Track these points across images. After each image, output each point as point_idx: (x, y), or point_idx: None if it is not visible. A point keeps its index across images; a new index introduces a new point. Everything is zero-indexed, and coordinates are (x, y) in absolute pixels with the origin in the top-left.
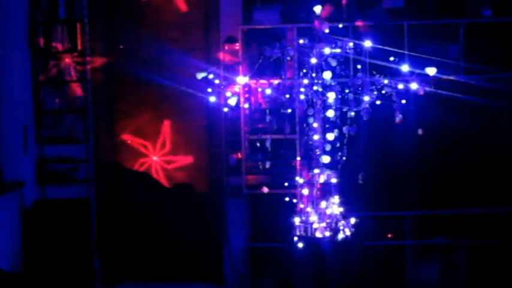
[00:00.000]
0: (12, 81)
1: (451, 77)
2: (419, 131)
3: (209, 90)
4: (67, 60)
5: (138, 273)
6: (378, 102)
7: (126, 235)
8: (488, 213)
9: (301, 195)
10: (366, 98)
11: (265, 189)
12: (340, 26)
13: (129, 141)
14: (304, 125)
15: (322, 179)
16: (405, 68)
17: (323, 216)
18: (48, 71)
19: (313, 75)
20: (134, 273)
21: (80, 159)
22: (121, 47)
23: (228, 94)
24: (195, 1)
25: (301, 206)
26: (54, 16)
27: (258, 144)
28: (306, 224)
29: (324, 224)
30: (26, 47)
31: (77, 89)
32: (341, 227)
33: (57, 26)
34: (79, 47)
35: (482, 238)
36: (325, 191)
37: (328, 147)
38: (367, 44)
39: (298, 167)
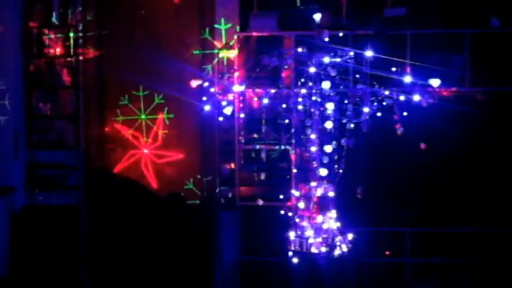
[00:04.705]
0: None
1: (456, 89)
2: (422, 145)
3: (204, 98)
4: (59, 65)
5: (126, 284)
6: (379, 114)
7: (114, 244)
8: (491, 231)
9: (297, 209)
10: (366, 110)
11: (260, 202)
12: (340, 34)
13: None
14: (302, 136)
15: (319, 192)
16: (407, 79)
17: (319, 231)
18: (40, 76)
19: (311, 84)
20: (122, 283)
21: (70, 166)
22: (114, 53)
23: (224, 103)
24: (191, 7)
25: (297, 219)
26: (48, 22)
27: (253, 155)
28: (301, 238)
29: (320, 239)
30: (19, 52)
31: (69, 95)
32: (338, 243)
33: (51, 32)
34: (72, 53)
35: (484, 257)
36: (322, 204)
37: (325, 160)
38: (368, 53)
39: (294, 180)
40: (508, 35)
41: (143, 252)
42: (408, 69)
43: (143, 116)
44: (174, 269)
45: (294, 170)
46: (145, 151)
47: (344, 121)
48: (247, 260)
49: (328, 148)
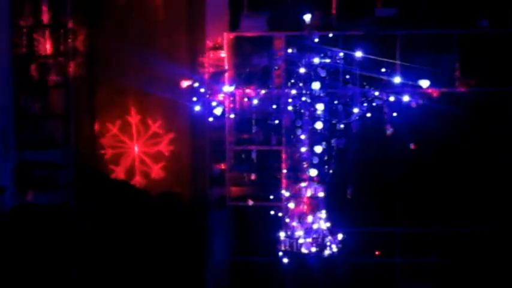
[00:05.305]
0: None
1: (445, 89)
2: (411, 145)
3: (194, 99)
4: (49, 65)
5: (118, 283)
6: (368, 114)
7: (107, 243)
8: (483, 231)
9: (287, 209)
10: (356, 110)
11: (250, 202)
12: (331, 35)
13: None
14: (292, 137)
15: (309, 192)
16: (397, 79)
17: (309, 231)
18: (30, 76)
19: (302, 85)
20: (114, 282)
21: (60, 165)
22: (104, 53)
23: (214, 103)
24: (181, 8)
25: (287, 220)
26: (38, 21)
27: (243, 155)
28: (292, 238)
29: (310, 239)
30: (8, 51)
31: (59, 94)
32: (328, 243)
33: (40, 31)
34: (61, 53)
35: (476, 256)
36: (312, 205)
37: (315, 160)
38: (358, 54)
39: (284, 180)
40: (497, 36)
41: (135, 251)
42: (398, 70)
43: (133, 116)
44: (165, 268)
45: (284, 171)
46: (136, 149)
47: (334, 122)
48: (238, 260)
49: (318, 148)
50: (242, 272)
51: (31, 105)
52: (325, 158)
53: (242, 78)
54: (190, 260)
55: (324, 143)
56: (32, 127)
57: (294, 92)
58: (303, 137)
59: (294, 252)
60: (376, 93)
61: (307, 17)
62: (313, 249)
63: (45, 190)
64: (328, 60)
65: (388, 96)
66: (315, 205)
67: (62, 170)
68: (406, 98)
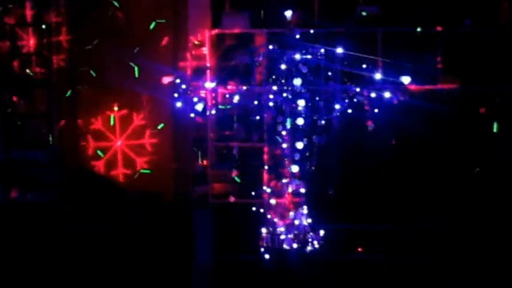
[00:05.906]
0: None
1: (427, 86)
2: (393, 142)
3: (176, 95)
4: (33, 63)
5: (103, 283)
6: (350, 110)
7: (90, 242)
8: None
9: (269, 205)
10: (337, 106)
11: (232, 199)
12: (311, 31)
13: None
14: (273, 133)
15: (290, 188)
16: (378, 76)
17: (291, 227)
18: (14, 74)
19: (283, 81)
20: (99, 282)
21: (45, 164)
22: (88, 51)
23: (195, 100)
24: (163, 5)
25: (269, 216)
26: (22, 19)
27: (225, 152)
28: (273, 235)
29: (291, 236)
30: None
31: (42, 93)
32: (309, 239)
33: (24, 29)
34: (45, 51)
35: (464, 254)
36: (294, 201)
37: (297, 157)
38: (339, 50)
39: (266, 177)
40: (480, 35)
41: (120, 251)
42: (380, 67)
43: (116, 109)
44: (149, 268)
45: (266, 167)
46: (118, 143)
47: (315, 118)
48: (222, 258)
49: (299, 145)
50: (226, 270)
51: (15, 104)
52: (307, 154)
53: (224, 75)
54: (175, 259)
55: (305, 139)
56: (16, 126)
57: (275, 88)
58: (284, 133)
59: (275, 248)
60: (358, 90)
61: (288, 13)
62: (295, 246)
63: (30, 189)
64: (309, 57)
65: (370, 93)
66: (297, 201)
67: (47, 169)
68: (387, 95)
